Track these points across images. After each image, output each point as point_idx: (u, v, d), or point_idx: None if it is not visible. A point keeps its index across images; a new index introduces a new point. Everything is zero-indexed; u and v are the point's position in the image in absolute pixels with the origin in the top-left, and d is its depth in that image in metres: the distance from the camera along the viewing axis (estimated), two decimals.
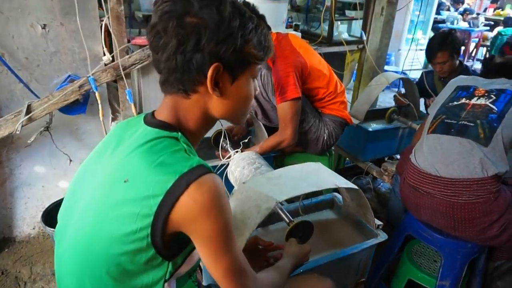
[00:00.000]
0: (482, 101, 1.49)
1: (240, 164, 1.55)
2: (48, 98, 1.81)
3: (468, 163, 1.40)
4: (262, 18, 0.79)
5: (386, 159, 2.60)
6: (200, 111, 0.77)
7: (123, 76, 1.92)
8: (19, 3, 1.71)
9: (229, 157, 1.67)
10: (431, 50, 2.39)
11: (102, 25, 1.91)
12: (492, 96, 1.49)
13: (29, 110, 1.78)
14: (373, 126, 2.39)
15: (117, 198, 0.68)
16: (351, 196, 1.39)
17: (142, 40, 1.99)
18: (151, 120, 0.77)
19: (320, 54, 2.62)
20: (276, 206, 1.28)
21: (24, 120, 1.76)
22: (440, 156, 1.46)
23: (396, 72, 5.55)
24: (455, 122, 1.48)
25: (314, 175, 1.21)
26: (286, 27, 2.98)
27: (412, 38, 4.23)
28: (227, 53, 0.70)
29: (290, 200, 1.50)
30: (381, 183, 2.72)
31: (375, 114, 2.56)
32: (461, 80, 1.67)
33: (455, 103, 1.55)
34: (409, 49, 3.52)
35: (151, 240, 0.66)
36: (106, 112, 2.05)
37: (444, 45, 2.34)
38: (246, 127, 1.98)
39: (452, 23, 7.19)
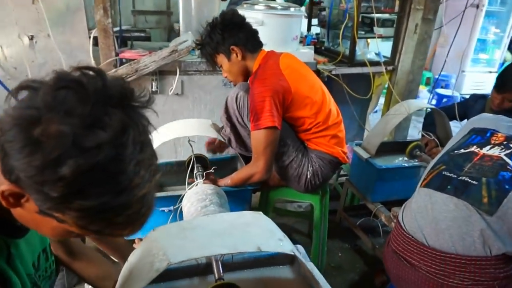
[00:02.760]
0: (495, 151, 1.12)
1: (191, 199, 1.35)
2: None
3: (464, 234, 1.05)
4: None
5: None
6: None
7: None
8: (5, 13, 1.72)
9: (194, 186, 1.49)
10: (506, 82, 1.82)
11: (91, 37, 1.86)
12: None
13: None
14: (387, 162, 2.03)
15: None
16: None
17: (131, 54, 1.90)
18: None
19: (337, 75, 2.36)
20: (212, 256, 1.08)
21: None
22: (430, 219, 1.13)
23: (451, 96, 4.94)
24: (455, 176, 1.13)
25: (240, 231, 0.96)
26: (309, 44, 2.74)
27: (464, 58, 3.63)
28: (34, 195, 0.51)
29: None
30: None
31: (398, 147, 2.19)
32: (480, 120, 1.30)
33: (462, 151, 1.20)
34: (459, 71, 3.03)
35: None
36: None
37: None
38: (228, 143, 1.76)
39: None
